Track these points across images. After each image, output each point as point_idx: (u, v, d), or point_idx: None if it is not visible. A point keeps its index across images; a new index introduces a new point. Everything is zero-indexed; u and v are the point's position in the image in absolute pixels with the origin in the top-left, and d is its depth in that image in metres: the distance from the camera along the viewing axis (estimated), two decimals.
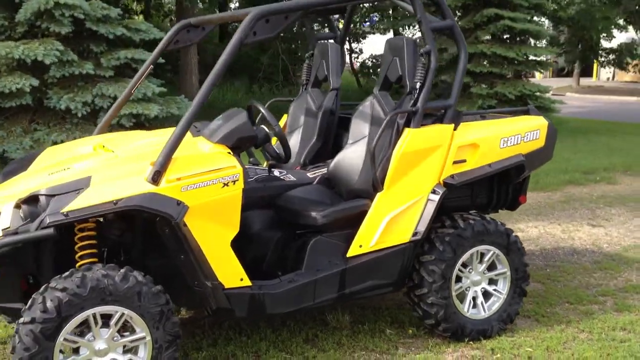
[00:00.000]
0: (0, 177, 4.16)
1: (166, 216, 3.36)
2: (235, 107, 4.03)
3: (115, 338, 3.38)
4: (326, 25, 15.64)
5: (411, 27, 22.34)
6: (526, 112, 4.64)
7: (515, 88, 13.40)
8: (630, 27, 24.32)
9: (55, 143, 9.76)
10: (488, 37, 13.51)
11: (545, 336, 4.35)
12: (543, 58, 14.43)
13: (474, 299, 4.31)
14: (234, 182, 3.56)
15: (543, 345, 4.21)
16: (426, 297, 4.13)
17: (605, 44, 26.55)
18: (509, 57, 13.50)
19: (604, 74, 43.45)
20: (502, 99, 13.30)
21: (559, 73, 39.88)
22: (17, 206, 3.48)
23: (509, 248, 4.32)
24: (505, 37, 13.77)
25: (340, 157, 4.38)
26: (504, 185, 4.64)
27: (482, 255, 4.28)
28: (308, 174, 4.54)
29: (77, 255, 3.58)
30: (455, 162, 4.12)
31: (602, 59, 27.11)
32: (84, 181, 3.37)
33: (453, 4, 13.56)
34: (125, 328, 3.43)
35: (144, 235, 3.82)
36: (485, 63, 13.79)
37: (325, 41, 5.10)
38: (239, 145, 3.79)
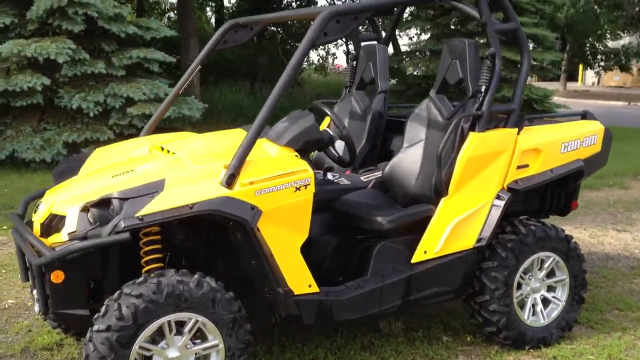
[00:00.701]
0: (54, 179, 4.05)
1: (241, 221, 3.27)
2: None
3: (188, 346, 3.28)
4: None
5: (404, 30, 22.31)
6: (583, 117, 4.59)
7: None
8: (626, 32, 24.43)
9: (66, 143, 9.65)
10: None
11: (604, 344, 4.30)
12: (547, 63, 14.45)
13: (533, 306, 4.25)
14: (306, 186, 3.47)
15: (604, 354, 4.15)
16: (488, 304, 4.06)
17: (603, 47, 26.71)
18: (516, 61, 13.46)
19: (589, 78, 43.90)
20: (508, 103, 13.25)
21: (545, 77, 40.16)
22: (84, 209, 3.36)
23: (569, 255, 4.27)
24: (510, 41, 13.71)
25: (395, 160, 4.30)
26: (556, 190, 4.58)
27: (542, 262, 4.22)
28: (362, 178, 4.46)
29: (142, 260, 3.48)
30: (518, 167, 4.06)
31: (603, 62, 27.30)
32: (158, 184, 3.27)
33: None
34: (196, 336, 3.33)
35: (208, 240, 3.72)
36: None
37: (372, 43, 5.02)
38: (305, 148, 3.71)
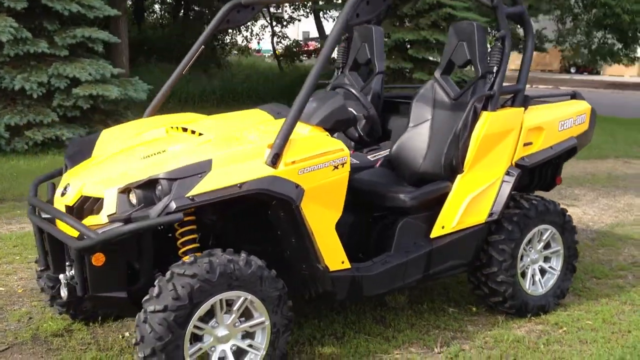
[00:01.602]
0: (68, 162, 3.94)
1: (288, 199, 3.32)
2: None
3: (236, 324, 3.32)
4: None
5: (332, 11, 22.47)
6: (573, 97, 4.85)
7: (454, 74, 13.81)
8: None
9: (8, 126, 9.27)
10: (429, 23, 13.80)
11: (596, 309, 4.61)
12: None
13: (532, 276, 4.50)
14: (343, 164, 3.55)
15: (599, 318, 4.46)
16: (495, 275, 4.26)
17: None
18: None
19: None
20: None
21: None
22: (124, 191, 3.32)
23: (564, 227, 4.54)
24: (444, 24, 14.10)
25: (403, 139, 4.42)
26: (544, 166, 4.83)
27: (541, 234, 4.46)
28: (369, 157, 4.56)
29: (179, 242, 3.47)
30: (524, 145, 4.28)
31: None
32: (205, 164, 3.26)
33: None
34: (241, 314, 3.36)
35: (238, 220, 3.74)
36: (421, 49, 14.07)
37: (367, 25, 5.09)
38: (335, 127, 3.77)
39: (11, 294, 4.75)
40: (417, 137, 4.39)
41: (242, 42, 24.74)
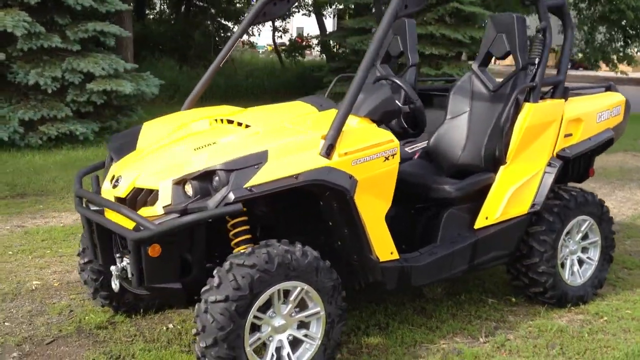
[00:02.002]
0: (113, 155, 3.92)
1: (342, 190, 3.32)
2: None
3: (292, 314, 3.33)
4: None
5: (333, 6, 22.48)
6: (607, 89, 4.88)
7: (460, 69, 13.82)
8: None
9: (22, 121, 9.24)
10: (436, 17, 13.80)
11: (633, 299, 4.65)
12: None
13: (571, 266, 4.52)
14: (393, 155, 3.56)
15: (637, 307, 4.49)
16: (536, 266, 4.28)
17: None
18: (453, 39, 13.87)
19: None
20: (449, 79, 13.65)
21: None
22: (179, 182, 3.32)
23: (602, 218, 4.57)
24: (449, 19, 14.11)
25: (441, 131, 4.44)
26: (578, 158, 4.85)
27: (580, 225, 4.49)
28: (406, 149, 4.58)
29: (231, 233, 3.47)
30: (565, 136, 4.30)
31: None
32: (261, 155, 3.27)
33: None
34: (296, 304, 3.38)
35: (287, 211, 3.74)
36: (428, 44, 14.08)
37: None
38: (382, 119, 3.78)
39: (48, 287, 4.74)
40: (455, 129, 4.41)
41: (245, 36, 24.63)
